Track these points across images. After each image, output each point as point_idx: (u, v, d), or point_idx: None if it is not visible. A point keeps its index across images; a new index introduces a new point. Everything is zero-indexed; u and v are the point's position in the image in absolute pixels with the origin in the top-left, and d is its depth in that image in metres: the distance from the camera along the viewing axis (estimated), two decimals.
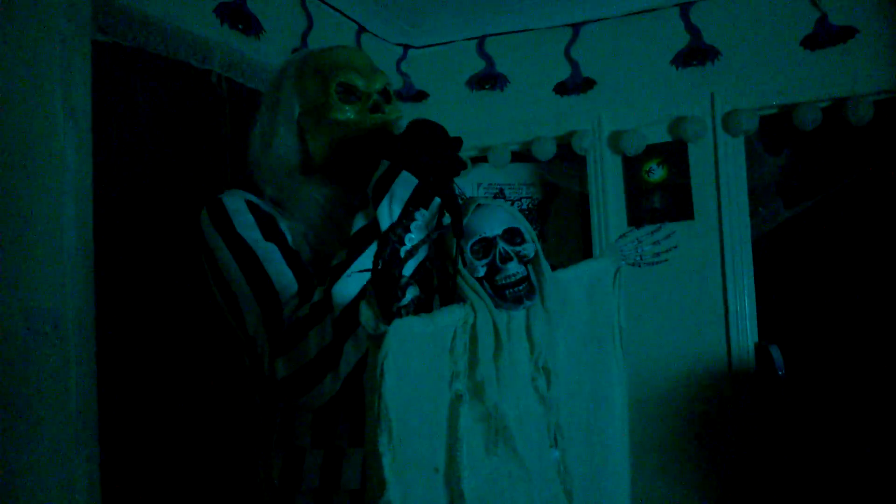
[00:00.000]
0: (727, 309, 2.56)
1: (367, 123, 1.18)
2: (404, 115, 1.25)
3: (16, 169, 1.42)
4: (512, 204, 3.34)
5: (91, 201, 1.53)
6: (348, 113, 1.17)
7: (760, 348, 2.52)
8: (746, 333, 2.55)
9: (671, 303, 2.63)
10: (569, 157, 2.91)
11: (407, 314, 0.75)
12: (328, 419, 1.11)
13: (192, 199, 1.17)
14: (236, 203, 1.12)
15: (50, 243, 1.44)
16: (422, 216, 0.96)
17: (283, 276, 1.05)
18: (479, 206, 0.95)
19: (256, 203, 1.14)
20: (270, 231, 1.11)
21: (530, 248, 0.94)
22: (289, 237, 1.13)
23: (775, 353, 2.45)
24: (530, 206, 3.39)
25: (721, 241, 2.57)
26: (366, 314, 0.66)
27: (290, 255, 1.09)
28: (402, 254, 0.68)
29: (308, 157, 1.20)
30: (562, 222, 3.45)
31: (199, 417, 1.83)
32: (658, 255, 1.18)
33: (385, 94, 1.24)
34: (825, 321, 3.15)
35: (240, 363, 1.14)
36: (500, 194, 3.35)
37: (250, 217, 1.11)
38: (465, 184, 3.27)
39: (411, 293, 0.89)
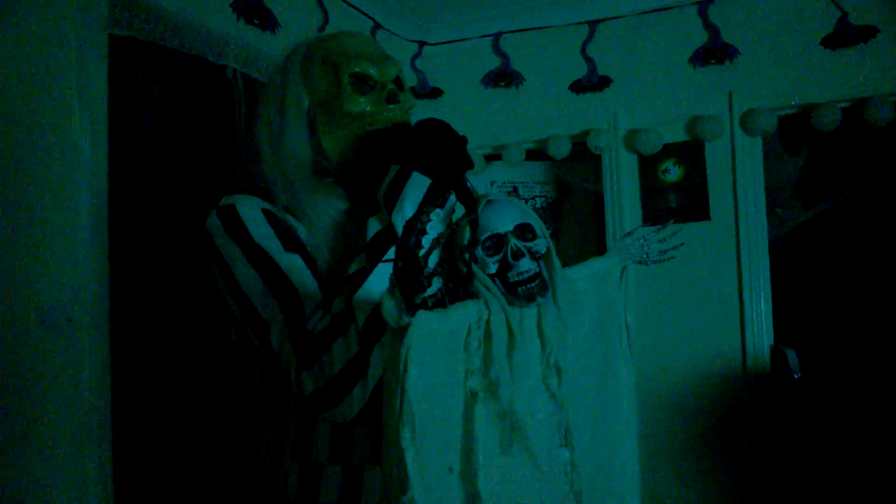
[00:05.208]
0: (742, 311, 2.53)
1: (385, 115, 1.13)
2: (420, 112, 1.23)
3: (31, 163, 1.42)
4: (526, 202, 3.32)
5: (106, 195, 1.54)
6: (364, 104, 1.12)
7: (776, 351, 2.49)
8: (762, 336, 2.51)
9: (686, 304, 2.60)
10: (584, 156, 2.89)
11: (434, 304, 0.74)
12: (347, 434, 1.07)
13: (206, 195, 1.15)
14: (252, 211, 1.07)
15: (65, 238, 1.45)
16: (437, 216, 0.94)
17: (308, 287, 1.01)
18: (489, 202, 0.93)
19: (273, 212, 1.09)
20: (290, 241, 1.06)
21: (542, 243, 0.92)
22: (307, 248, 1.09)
23: (791, 356, 2.42)
24: (544, 204, 3.37)
25: (737, 242, 2.54)
26: (388, 306, 0.65)
27: (313, 266, 1.05)
28: (425, 244, 0.67)
29: (320, 155, 1.14)
30: (576, 221, 3.42)
31: (211, 414, 1.83)
32: (664, 252, 1.15)
33: (398, 82, 1.18)
34: (841, 324, 3.11)
35: (246, 372, 1.12)
36: (514, 192, 3.33)
37: (268, 228, 1.06)
38: (479, 182, 3.25)
39: (437, 283, 0.88)
